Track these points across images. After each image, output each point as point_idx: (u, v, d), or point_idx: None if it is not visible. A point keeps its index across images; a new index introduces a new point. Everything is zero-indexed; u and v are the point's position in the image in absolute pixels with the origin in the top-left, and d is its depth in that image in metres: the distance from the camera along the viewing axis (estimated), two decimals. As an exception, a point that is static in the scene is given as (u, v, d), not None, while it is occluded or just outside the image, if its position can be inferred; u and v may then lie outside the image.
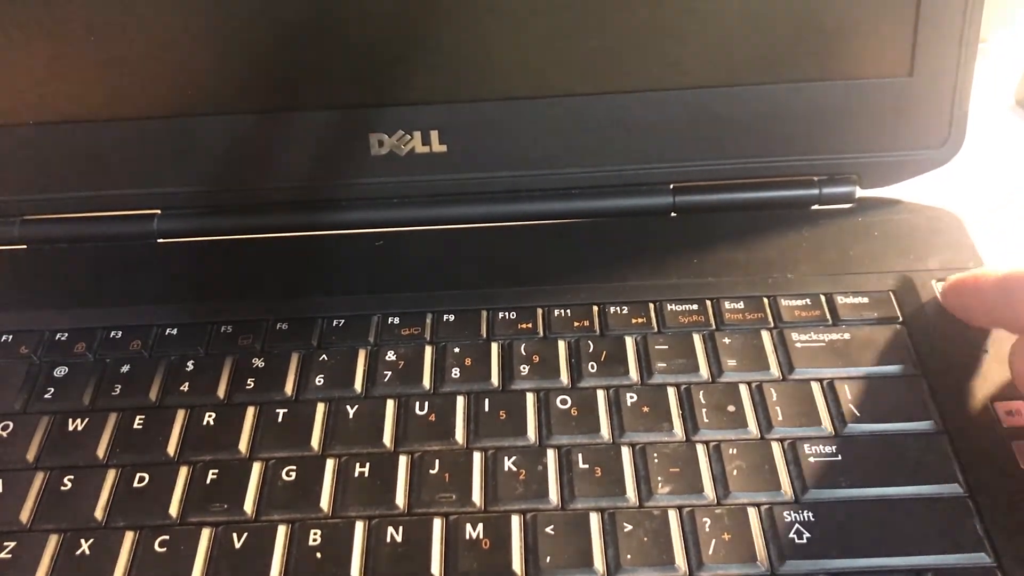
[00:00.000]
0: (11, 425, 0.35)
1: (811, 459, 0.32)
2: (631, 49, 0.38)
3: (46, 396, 0.36)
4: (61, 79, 0.39)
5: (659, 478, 0.32)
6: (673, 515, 0.31)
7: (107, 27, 0.38)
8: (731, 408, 0.34)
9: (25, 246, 0.43)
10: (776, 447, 0.32)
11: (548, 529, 0.31)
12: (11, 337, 0.38)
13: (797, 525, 0.30)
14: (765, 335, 0.36)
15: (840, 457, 0.32)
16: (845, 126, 0.40)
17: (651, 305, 0.37)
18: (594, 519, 0.31)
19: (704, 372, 0.35)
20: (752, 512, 0.31)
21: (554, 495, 0.32)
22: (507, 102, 0.39)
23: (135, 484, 0.33)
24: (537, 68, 0.39)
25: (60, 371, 0.37)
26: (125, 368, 0.36)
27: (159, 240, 0.42)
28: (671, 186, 0.41)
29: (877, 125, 0.40)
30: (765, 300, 0.37)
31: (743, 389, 0.34)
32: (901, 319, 0.36)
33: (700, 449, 0.33)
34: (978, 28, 0.38)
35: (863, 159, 0.40)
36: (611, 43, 0.38)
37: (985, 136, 0.48)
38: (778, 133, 0.40)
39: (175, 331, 0.38)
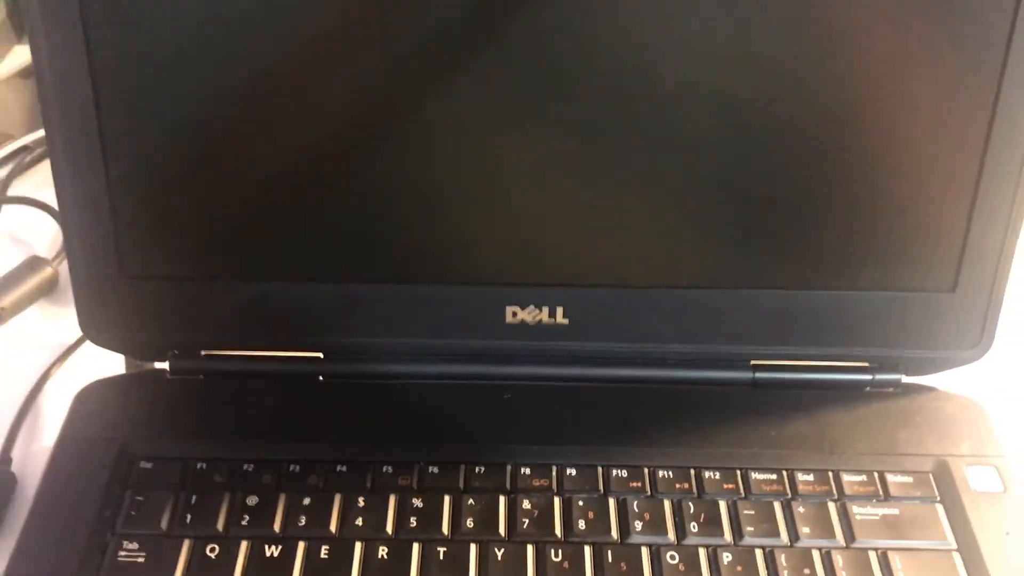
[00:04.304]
0: (217, 548, 0.42)
1: (872, 623, 0.40)
2: (727, 253, 0.47)
3: (243, 523, 0.43)
4: (244, 245, 0.47)
5: (753, 635, 0.40)
6: (767, 667, 0.39)
7: (286, 204, 0.46)
8: (807, 571, 0.42)
9: (202, 376, 0.50)
10: (844, 609, 0.41)
11: (668, 673, 0.39)
12: (206, 465, 0.45)
13: None
14: (831, 506, 0.44)
15: (894, 621, 0.41)
16: (894, 327, 0.48)
17: (738, 472, 0.46)
18: (705, 666, 0.39)
19: (784, 537, 0.43)
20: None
21: (671, 646, 0.40)
22: (620, 289, 0.48)
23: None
24: (646, 263, 0.47)
25: (252, 500, 0.44)
26: (306, 501, 0.44)
27: (321, 379, 0.50)
28: (751, 363, 0.50)
29: (920, 328, 0.48)
30: (830, 474, 0.46)
31: (816, 555, 0.43)
32: (939, 498, 0.45)
33: (785, 608, 0.41)
34: (1015, 244, 0.45)
35: (907, 354, 0.49)
36: (710, 247, 0.47)
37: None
38: (840, 328, 0.48)
39: (345, 468, 0.45)
